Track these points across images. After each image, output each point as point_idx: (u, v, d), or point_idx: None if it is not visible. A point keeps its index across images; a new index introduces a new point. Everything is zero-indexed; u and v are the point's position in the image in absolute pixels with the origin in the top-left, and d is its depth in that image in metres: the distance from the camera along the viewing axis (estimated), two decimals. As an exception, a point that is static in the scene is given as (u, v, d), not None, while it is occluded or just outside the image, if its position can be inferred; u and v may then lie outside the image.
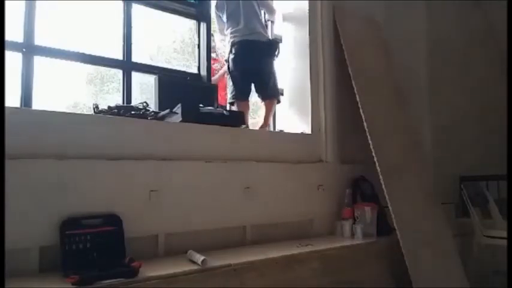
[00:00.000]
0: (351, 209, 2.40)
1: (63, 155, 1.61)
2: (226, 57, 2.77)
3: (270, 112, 2.73)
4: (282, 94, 2.87)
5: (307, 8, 2.68)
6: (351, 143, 2.61)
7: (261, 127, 2.72)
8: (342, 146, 2.62)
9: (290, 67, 2.80)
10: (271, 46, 2.73)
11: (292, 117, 2.75)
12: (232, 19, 2.72)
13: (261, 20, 2.78)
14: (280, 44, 2.83)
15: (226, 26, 2.77)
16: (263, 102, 2.74)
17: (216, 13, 2.81)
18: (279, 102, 2.77)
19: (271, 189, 2.22)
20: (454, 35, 3.52)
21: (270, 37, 2.86)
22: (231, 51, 2.70)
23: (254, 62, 2.67)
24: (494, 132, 3.51)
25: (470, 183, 3.11)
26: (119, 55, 2.31)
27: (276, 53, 2.72)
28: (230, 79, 2.71)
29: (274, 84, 2.74)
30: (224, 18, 2.78)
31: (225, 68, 2.80)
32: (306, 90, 2.64)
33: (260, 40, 2.69)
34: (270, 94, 2.72)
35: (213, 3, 2.78)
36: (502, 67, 3.40)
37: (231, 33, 2.71)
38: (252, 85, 2.73)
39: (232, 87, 2.70)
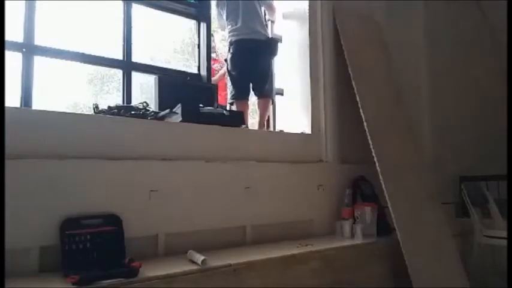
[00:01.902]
0: (351, 209, 2.40)
1: (63, 155, 1.61)
2: (226, 57, 2.77)
3: (265, 112, 2.73)
4: (282, 94, 2.87)
5: (307, 7, 2.67)
6: (351, 143, 2.61)
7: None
8: (342, 146, 2.62)
9: (290, 67, 2.80)
10: (270, 45, 2.72)
11: (292, 117, 2.74)
12: (232, 17, 2.72)
13: (261, 18, 2.77)
14: (280, 44, 2.83)
15: (226, 24, 2.77)
16: (257, 101, 2.73)
17: (217, 9, 2.81)
18: (273, 103, 2.77)
19: (271, 189, 2.22)
20: (454, 35, 3.51)
21: (269, 36, 2.85)
22: (229, 50, 2.70)
23: (252, 60, 2.67)
24: (494, 132, 3.51)
25: (470, 183, 3.11)
26: (119, 55, 2.31)
27: (275, 52, 2.71)
28: (229, 79, 2.71)
29: (270, 84, 2.74)
30: (224, 16, 2.78)
31: (225, 68, 2.80)
32: (306, 90, 2.64)
33: (258, 39, 2.68)
34: (266, 93, 2.72)
35: (213, 3, 2.78)
36: (502, 67, 3.40)
37: (230, 31, 2.71)
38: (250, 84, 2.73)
39: (231, 87, 2.70)
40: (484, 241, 2.79)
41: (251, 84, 2.72)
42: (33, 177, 1.52)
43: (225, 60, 2.77)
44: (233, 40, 2.68)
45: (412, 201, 2.41)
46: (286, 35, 2.90)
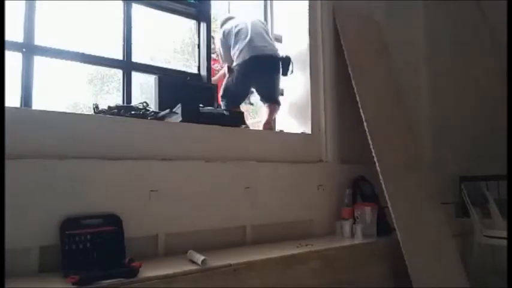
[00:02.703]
0: (351, 209, 2.40)
1: (63, 155, 1.61)
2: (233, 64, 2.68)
3: (272, 115, 2.73)
4: (282, 94, 2.86)
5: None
6: (351, 143, 2.61)
7: (264, 129, 2.71)
8: (342, 146, 2.62)
9: (290, 67, 2.80)
10: (283, 63, 2.62)
11: (292, 117, 2.74)
12: (240, 35, 2.64)
13: (270, 37, 2.73)
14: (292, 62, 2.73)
15: (232, 46, 2.69)
16: (266, 105, 2.70)
17: (222, 42, 2.74)
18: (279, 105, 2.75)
19: (271, 189, 2.22)
20: (454, 35, 3.52)
21: (282, 54, 2.70)
22: (240, 65, 2.61)
23: (262, 78, 2.63)
24: (494, 132, 3.51)
25: (470, 183, 3.11)
26: (119, 55, 2.31)
27: (286, 70, 2.61)
28: (227, 88, 2.65)
29: (278, 93, 2.74)
30: (232, 42, 2.69)
31: (226, 72, 2.74)
32: (306, 90, 2.64)
33: (271, 54, 2.61)
34: (274, 100, 2.71)
35: (213, 3, 2.76)
36: (502, 67, 3.40)
37: (239, 49, 2.62)
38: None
39: (227, 97, 2.65)
40: (484, 241, 2.79)
41: (259, 95, 2.70)
42: (33, 177, 1.52)
43: (229, 68, 2.69)
44: (246, 57, 2.57)
45: (412, 201, 2.41)
46: (286, 35, 2.90)
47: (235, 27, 2.70)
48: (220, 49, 2.82)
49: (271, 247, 2.01)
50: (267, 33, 2.74)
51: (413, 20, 3.27)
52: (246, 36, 2.63)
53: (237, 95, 2.66)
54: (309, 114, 2.61)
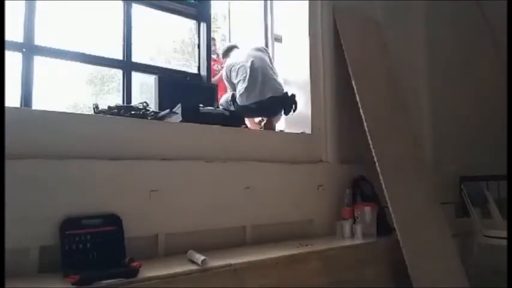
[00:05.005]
0: (350, 209, 2.40)
1: (63, 155, 1.61)
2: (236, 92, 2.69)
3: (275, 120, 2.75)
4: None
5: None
6: (351, 143, 2.61)
7: (265, 128, 2.71)
8: (342, 146, 2.62)
9: (290, 67, 2.80)
10: (288, 101, 2.61)
11: (293, 117, 2.74)
12: (241, 75, 2.66)
13: (275, 73, 2.73)
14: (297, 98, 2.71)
15: (236, 83, 2.71)
16: None
17: (226, 72, 2.77)
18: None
19: (271, 189, 2.22)
20: (454, 35, 3.52)
21: (286, 92, 2.67)
22: (240, 106, 2.64)
23: (268, 113, 2.70)
24: (494, 132, 3.51)
25: (470, 183, 3.11)
26: (119, 55, 2.31)
27: (290, 108, 2.60)
28: (228, 105, 2.68)
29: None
30: (235, 78, 2.71)
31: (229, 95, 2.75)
32: (306, 90, 2.64)
33: (276, 96, 2.62)
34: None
35: (213, 3, 2.77)
36: (502, 67, 3.40)
37: (240, 91, 2.65)
38: None
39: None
40: (484, 241, 2.79)
41: None
42: (33, 177, 1.52)
43: (233, 95, 2.68)
44: (245, 102, 2.61)
45: (412, 201, 2.41)
46: (286, 35, 2.90)
47: (237, 64, 2.71)
48: (225, 81, 2.85)
49: (271, 247, 2.01)
50: (271, 68, 2.73)
51: (413, 20, 3.27)
52: (246, 77, 2.63)
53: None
54: (309, 114, 2.61)
